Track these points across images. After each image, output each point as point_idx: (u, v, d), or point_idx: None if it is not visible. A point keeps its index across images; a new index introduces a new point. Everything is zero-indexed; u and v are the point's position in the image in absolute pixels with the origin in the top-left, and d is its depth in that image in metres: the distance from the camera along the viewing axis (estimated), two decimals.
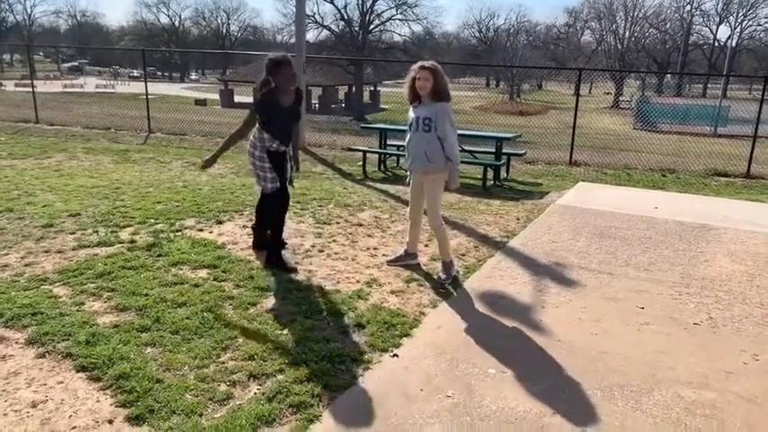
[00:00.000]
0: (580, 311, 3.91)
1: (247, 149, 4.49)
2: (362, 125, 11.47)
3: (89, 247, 4.71)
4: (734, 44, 49.74)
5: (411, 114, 4.31)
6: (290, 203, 6.26)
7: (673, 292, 4.28)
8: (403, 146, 4.73)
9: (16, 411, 2.58)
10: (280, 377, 2.92)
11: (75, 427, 2.49)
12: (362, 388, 2.88)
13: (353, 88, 38.38)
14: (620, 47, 56.22)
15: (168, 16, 78.02)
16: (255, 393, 2.78)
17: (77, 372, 2.90)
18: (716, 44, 59.16)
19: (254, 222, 4.80)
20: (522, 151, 9.96)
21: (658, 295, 4.23)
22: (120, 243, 4.83)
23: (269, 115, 4.26)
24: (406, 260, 4.68)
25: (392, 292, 4.10)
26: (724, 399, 2.91)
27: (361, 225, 5.76)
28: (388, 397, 2.82)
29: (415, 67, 4.20)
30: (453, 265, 4.46)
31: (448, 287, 4.24)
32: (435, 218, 4.38)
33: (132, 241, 4.88)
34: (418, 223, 4.63)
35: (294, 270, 4.39)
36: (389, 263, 4.66)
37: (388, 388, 2.89)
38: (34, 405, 2.63)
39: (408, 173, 4.54)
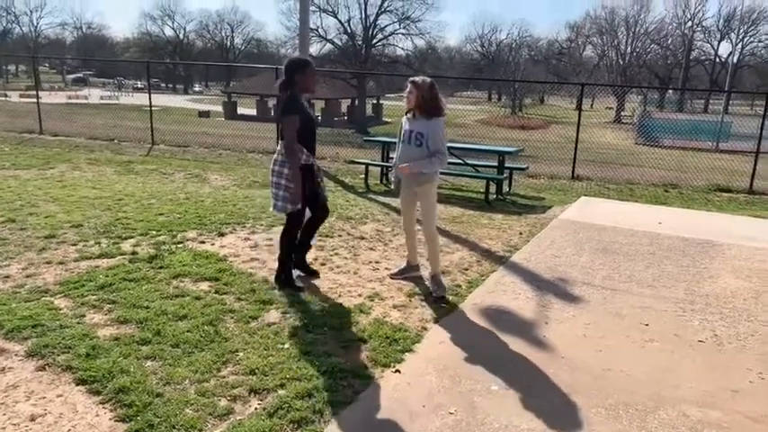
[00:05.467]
0: (584, 328, 3.88)
1: (270, 168, 4.17)
2: (365, 138, 11.48)
3: (91, 258, 4.70)
4: (735, 60, 49.94)
5: (405, 126, 4.35)
6: None
7: (677, 309, 4.25)
8: None
9: (15, 425, 2.56)
10: (281, 392, 2.89)
11: None
12: (364, 404, 2.85)
13: (356, 101, 38.55)
14: (621, 62, 56.47)
15: (173, 29, 78.39)
16: (256, 409, 2.75)
17: (77, 385, 2.87)
18: (717, 60, 59.44)
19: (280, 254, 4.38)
20: (525, 165, 9.96)
21: (663, 312, 4.19)
22: (122, 255, 4.81)
23: (300, 117, 4.05)
24: (409, 272, 4.68)
25: (394, 307, 4.07)
26: (730, 418, 2.87)
27: (363, 238, 5.75)
28: (390, 413, 2.78)
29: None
30: (441, 278, 4.46)
31: (450, 301, 4.21)
32: (430, 225, 4.41)
33: (134, 253, 4.87)
34: (413, 234, 4.65)
35: (301, 289, 4.30)
36: (392, 276, 4.65)
37: (390, 404, 2.86)
38: (33, 419, 2.61)
39: (394, 180, 4.70)
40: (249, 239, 5.44)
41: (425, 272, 4.75)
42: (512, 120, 35.68)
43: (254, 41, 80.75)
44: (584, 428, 2.74)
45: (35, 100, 15.76)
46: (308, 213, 4.41)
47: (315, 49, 39.81)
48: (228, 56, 77.35)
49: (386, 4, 41.71)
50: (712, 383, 3.20)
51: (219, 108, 39.36)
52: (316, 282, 4.47)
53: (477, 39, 76.53)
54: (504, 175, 8.64)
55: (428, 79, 4.25)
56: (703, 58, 60.46)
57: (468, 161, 8.92)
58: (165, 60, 68.68)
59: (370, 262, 5.03)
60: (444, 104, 4.27)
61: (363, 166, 9.13)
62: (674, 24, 59.02)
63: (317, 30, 40.38)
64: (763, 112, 10.48)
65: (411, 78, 4.28)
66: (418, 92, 4.17)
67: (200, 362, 3.13)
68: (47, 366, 3.03)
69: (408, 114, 4.36)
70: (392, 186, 4.69)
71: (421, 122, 4.22)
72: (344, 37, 42.18)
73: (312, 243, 4.71)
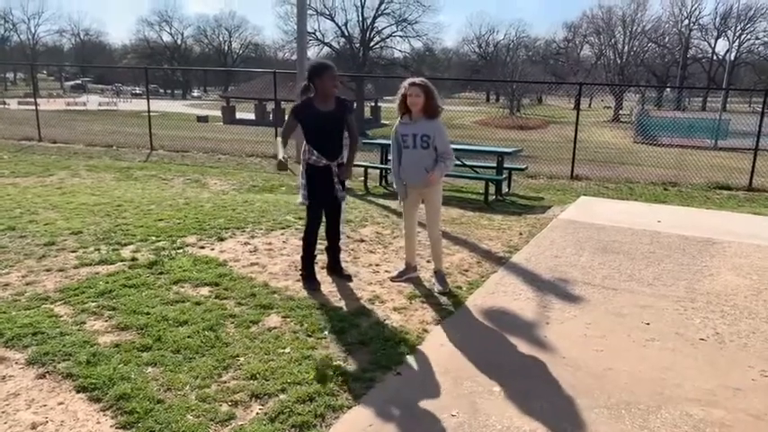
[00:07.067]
0: (585, 327, 3.88)
1: None
2: (364, 141, 11.44)
3: (90, 265, 4.70)
4: (732, 58, 50.01)
5: (403, 130, 4.30)
6: (291, 219, 6.28)
7: (678, 307, 4.25)
8: None
9: None
10: (282, 397, 2.88)
11: None
12: (366, 407, 2.85)
13: (354, 104, 38.60)
14: (619, 61, 56.53)
15: (170, 34, 78.53)
16: (258, 413, 2.75)
17: (78, 392, 2.86)
18: (714, 58, 59.49)
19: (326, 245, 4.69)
20: (524, 165, 9.96)
21: (663, 310, 4.19)
22: (122, 261, 4.81)
23: (303, 119, 4.16)
24: (408, 273, 4.68)
25: (395, 309, 4.07)
26: (732, 416, 2.86)
27: (362, 241, 5.74)
28: (391, 416, 2.78)
29: (406, 83, 4.22)
30: (444, 274, 4.52)
31: (450, 300, 4.21)
32: (436, 227, 4.49)
33: (134, 259, 4.86)
34: (414, 235, 4.67)
35: (314, 288, 4.36)
36: (393, 279, 4.64)
37: (392, 407, 2.86)
38: (34, 427, 2.60)
39: (398, 186, 4.48)
40: (249, 244, 5.43)
41: (424, 273, 4.74)
42: (510, 120, 35.69)
43: (251, 46, 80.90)
44: (587, 429, 2.73)
45: (34, 107, 15.78)
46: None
47: (312, 52, 39.92)
48: (226, 60, 77.43)
49: (383, 7, 41.85)
50: (714, 382, 3.19)
51: (218, 113, 39.37)
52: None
53: (475, 40, 76.68)
54: (504, 176, 8.64)
55: (427, 81, 4.24)
56: (700, 56, 60.52)
57: (467, 162, 8.92)
58: (163, 66, 68.73)
59: (370, 265, 5.02)
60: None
61: (362, 169, 9.13)
62: (671, 23, 59.16)
63: (314, 33, 40.51)
64: (761, 109, 10.49)
65: (414, 81, 4.17)
66: (426, 95, 4.14)
67: (201, 367, 3.12)
68: (47, 374, 3.02)
69: (403, 118, 4.31)
70: (399, 200, 4.61)
71: (423, 124, 4.20)
72: (342, 40, 42.32)
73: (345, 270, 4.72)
